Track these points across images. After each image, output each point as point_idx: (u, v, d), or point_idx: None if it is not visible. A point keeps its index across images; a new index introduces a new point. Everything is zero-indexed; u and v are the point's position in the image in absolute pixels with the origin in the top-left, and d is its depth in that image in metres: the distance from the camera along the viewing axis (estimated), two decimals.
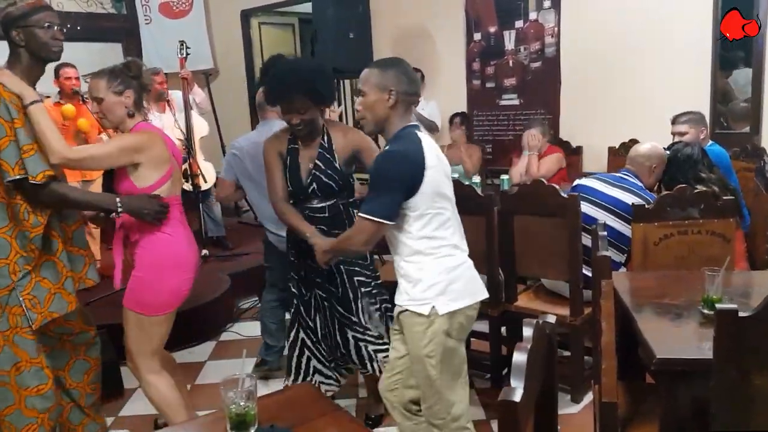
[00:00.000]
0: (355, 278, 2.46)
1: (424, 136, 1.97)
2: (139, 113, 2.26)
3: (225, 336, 3.88)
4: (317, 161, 2.38)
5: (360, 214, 1.91)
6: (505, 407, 1.02)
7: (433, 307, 1.89)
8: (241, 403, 1.38)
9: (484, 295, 2.02)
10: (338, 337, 2.48)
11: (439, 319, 1.90)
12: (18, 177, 1.97)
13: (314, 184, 2.37)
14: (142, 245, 2.24)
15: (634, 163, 2.95)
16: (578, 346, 2.80)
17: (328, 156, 2.38)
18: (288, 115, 2.33)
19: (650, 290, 2.13)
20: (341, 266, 2.43)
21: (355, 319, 2.45)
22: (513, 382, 1.09)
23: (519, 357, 1.14)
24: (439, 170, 1.92)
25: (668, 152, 2.86)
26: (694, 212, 2.46)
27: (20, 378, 2.07)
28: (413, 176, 1.86)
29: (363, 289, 2.47)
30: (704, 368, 1.52)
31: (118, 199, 2.15)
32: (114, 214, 2.20)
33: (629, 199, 2.78)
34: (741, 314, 1.36)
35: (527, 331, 1.21)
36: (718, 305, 1.38)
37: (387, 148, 1.96)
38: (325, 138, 2.40)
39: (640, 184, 2.90)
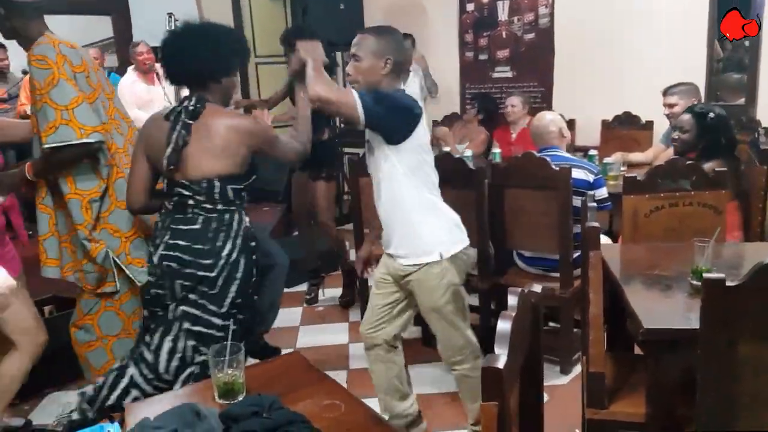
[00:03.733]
0: None
1: None
2: None
3: None
4: None
5: None
6: (489, 373, 1.02)
7: None
8: (229, 372, 1.38)
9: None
10: None
11: None
12: None
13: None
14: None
15: (546, 138, 2.93)
16: (568, 319, 2.81)
17: None
18: None
19: (640, 262, 2.13)
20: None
21: None
22: (497, 350, 1.09)
23: (503, 325, 1.14)
24: None
25: (710, 116, 2.81)
26: (685, 184, 2.44)
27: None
28: None
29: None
30: (691, 339, 1.52)
31: None
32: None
33: (577, 173, 2.78)
34: (728, 283, 1.36)
35: (512, 300, 1.21)
36: (705, 274, 1.38)
37: None
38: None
39: (567, 154, 2.91)
